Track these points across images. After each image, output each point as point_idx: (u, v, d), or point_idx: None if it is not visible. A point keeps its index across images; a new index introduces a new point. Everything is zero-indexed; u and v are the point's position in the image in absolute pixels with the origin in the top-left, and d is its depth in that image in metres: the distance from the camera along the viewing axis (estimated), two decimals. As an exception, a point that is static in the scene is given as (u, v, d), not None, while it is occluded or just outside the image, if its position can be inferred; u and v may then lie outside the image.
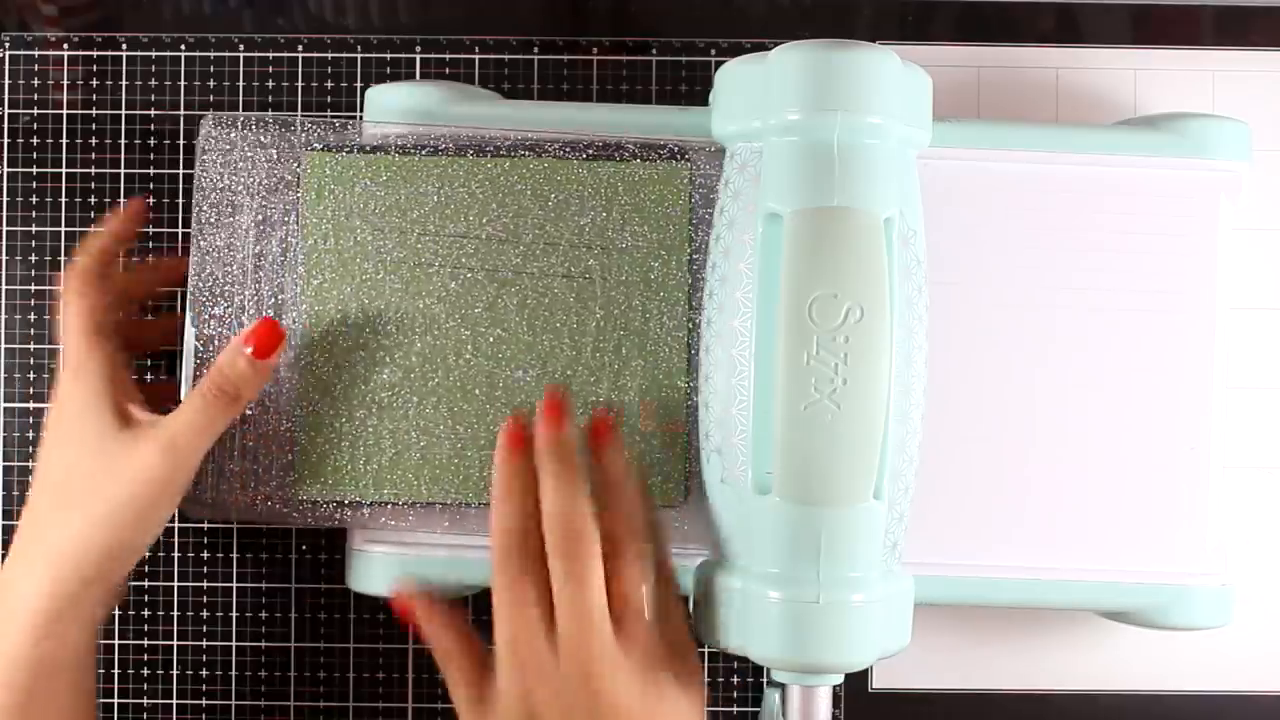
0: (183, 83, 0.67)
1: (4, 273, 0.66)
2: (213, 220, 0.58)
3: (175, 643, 0.66)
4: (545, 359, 0.58)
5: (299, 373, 0.58)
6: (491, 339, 0.58)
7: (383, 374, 0.58)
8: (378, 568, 0.59)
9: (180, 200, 0.66)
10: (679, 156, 0.58)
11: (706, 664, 0.66)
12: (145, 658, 0.66)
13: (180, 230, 0.66)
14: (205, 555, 0.66)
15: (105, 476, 0.53)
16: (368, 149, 0.58)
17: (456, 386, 0.58)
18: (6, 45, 0.67)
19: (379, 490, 0.58)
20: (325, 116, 0.59)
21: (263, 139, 0.59)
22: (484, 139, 0.59)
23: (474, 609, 0.65)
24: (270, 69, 0.67)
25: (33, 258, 0.66)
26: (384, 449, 0.58)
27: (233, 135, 0.59)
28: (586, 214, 0.58)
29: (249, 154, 0.59)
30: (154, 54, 0.67)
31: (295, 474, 0.58)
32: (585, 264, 0.58)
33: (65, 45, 0.67)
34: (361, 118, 0.66)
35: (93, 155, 0.66)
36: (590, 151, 0.58)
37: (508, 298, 0.58)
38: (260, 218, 0.59)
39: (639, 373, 0.58)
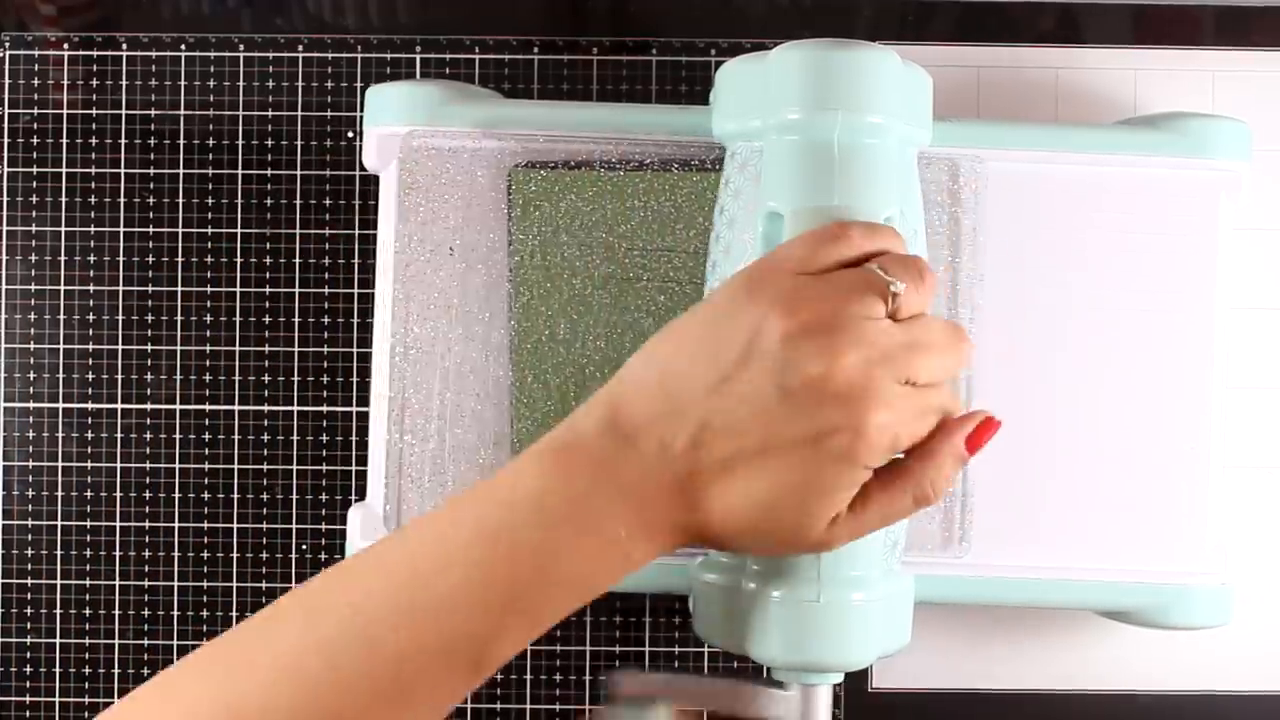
0: (183, 83, 0.67)
1: (4, 273, 0.66)
2: (417, 238, 0.58)
3: (175, 642, 0.66)
4: None
5: (509, 389, 0.58)
6: None
7: (593, 388, 0.58)
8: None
9: (180, 200, 0.66)
10: None
11: (706, 664, 0.66)
12: (145, 657, 0.66)
13: (180, 230, 0.66)
14: (205, 555, 0.66)
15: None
16: (573, 165, 0.59)
17: None
18: (6, 45, 0.67)
19: None
20: (529, 133, 0.59)
21: (465, 155, 0.59)
22: (689, 153, 0.59)
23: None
24: (270, 69, 0.67)
25: (33, 258, 0.66)
26: None
27: (434, 151, 0.59)
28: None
29: (451, 171, 0.59)
30: (154, 54, 0.67)
31: None
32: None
33: (65, 45, 0.67)
34: (361, 118, 0.66)
35: (93, 155, 0.66)
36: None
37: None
38: (461, 236, 0.59)
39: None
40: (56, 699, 0.66)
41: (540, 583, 0.45)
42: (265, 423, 0.66)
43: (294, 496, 0.66)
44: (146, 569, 0.66)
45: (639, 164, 0.59)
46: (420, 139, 0.59)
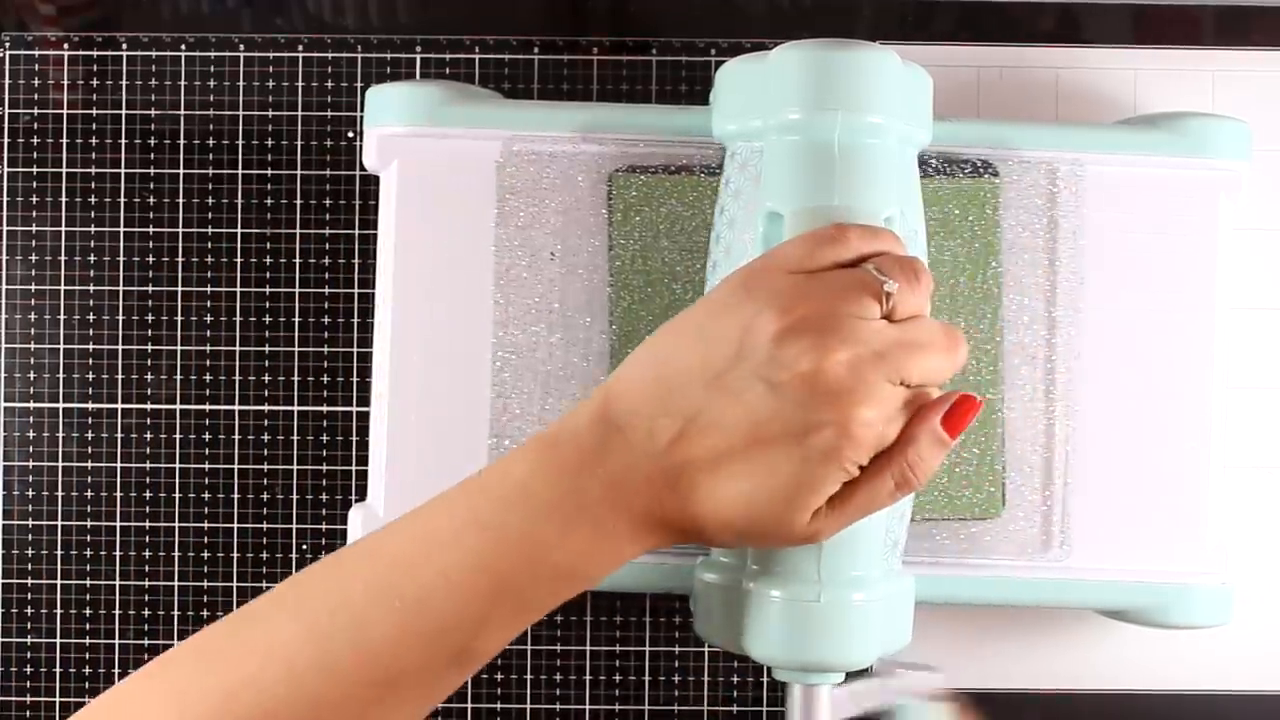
0: (183, 83, 0.67)
1: (4, 273, 0.66)
2: (517, 243, 0.59)
3: (175, 643, 0.66)
4: None
5: None
6: None
7: None
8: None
9: (180, 200, 0.66)
10: (985, 172, 0.58)
11: (706, 664, 0.66)
12: (145, 657, 0.66)
13: (180, 230, 0.66)
14: (205, 555, 0.66)
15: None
16: (673, 169, 0.59)
17: None
18: (6, 45, 0.67)
19: None
20: (630, 138, 0.59)
21: (564, 160, 0.59)
22: None
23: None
24: (270, 69, 0.67)
25: (33, 258, 0.66)
26: None
27: (534, 155, 0.59)
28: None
29: (551, 175, 0.59)
30: (154, 54, 0.67)
31: None
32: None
33: (65, 45, 0.67)
34: (361, 118, 0.66)
35: (93, 155, 0.66)
36: None
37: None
38: (561, 241, 0.59)
39: (948, 386, 0.58)
40: (56, 699, 0.66)
41: (528, 572, 0.45)
42: (265, 423, 0.66)
43: (294, 496, 0.66)
44: (146, 569, 0.66)
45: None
46: (521, 144, 0.59)
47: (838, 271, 0.47)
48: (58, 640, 0.66)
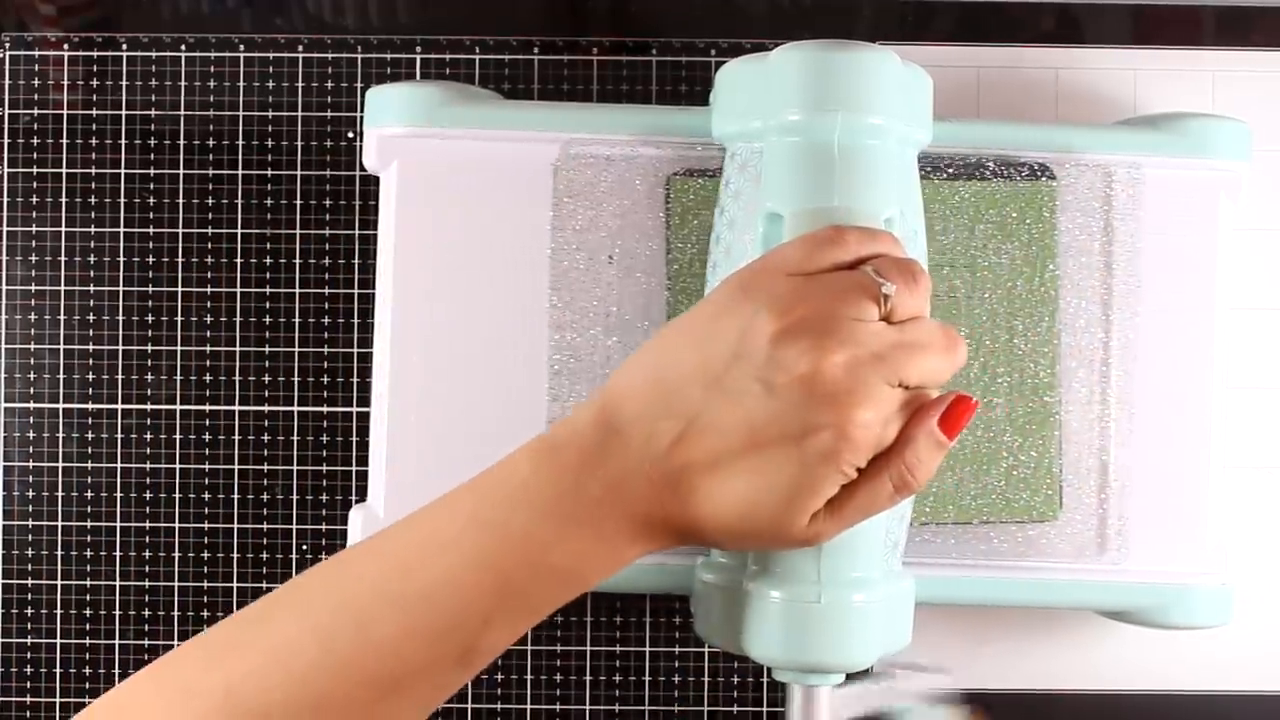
0: (183, 83, 0.67)
1: (4, 273, 0.66)
2: (574, 245, 0.58)
3: (175, 643, 0.66)
4: None
5: None
6: None
7: None
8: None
9: (180, 200, 0.66)
10: (1042, 175, 0.58)
11: (706, 664, 0.66)
12: (145, 658, 0.66)
13: (180, 230, 0.66)
14: (205, 555, 0.66)
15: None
16: None
17: None
18: (6, 45, 0.67)
19: None
20: (687, 141, 0.59)
21: (621, 163, 0.59)
22: None
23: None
24: (270, 69, 0.67)
25: (33, 258, 0.66)
26: None
27: (591, 159, 0.58)
28: (950, 233, 0.59)
29: (608, 179, 0.59)
30: (154, 54, 0.67)
31: None
32: (950, 283, 0.59)
33: (65, 45, 0.67)
34: (361, 118, 0.66)
35: (93, 155, 0.66)
36: (952, 171, 0.59)
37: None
38: (618, 243, 0.59)
39: (1005, 389, 0.58)
40: (57, 699, 0.66)
41: (530, 573, 0.45)
42: (265, 423, 0.66)
43: (294, 496, 0.66)
44: (146, 569, 0.66)
45: None
46: (579, 147, 0.59)
47: (836, 274, 0.47)
48: (58, 640, 0.66)
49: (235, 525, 0.66)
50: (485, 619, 0.45)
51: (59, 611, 0.66)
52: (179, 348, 0.66)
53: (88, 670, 0.66)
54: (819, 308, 0.45)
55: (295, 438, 0.66)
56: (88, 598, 0.66)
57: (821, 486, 0.46)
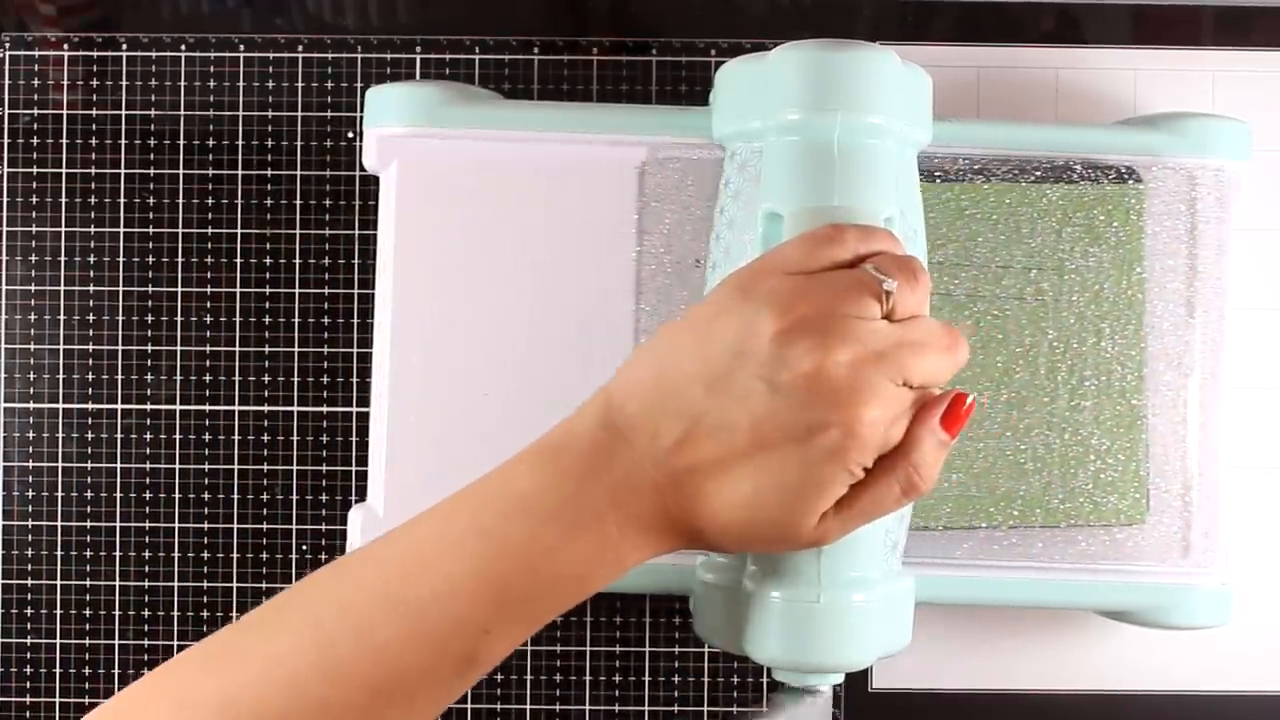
0: (183, 83, 0.67)
1: (4, 273, 0.66)
2: (661, 249, 0.58)
3: (175, 643, 0.66)
4: (1000, 381, 0.58)
5: None
6: None
7: None
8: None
9: (180, 200, 0.66)
10: (1129, 178, 0.59)
11: (706, 664, 0.66)
12: (145, 658, 0.66)
13: (180, 230, 0.66)
14: (205, 555, 0.66)
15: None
16: None
17: None
18: (6, 45, 0.67)
19: None
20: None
21: (709, 165, 0.58)
22: (930, 164, 0.59)
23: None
24: (270, 69, 0.67)
25: (33, 258, 0.66)
26: None
27: (679, 162, 0.58)
28: (1037, 236, 0.59)
29: (695, 182, 0.59)
30: (154, 54, 0.67)
31: None
32: (1038, 286, 0.59)
33: (65, 45, 0.67)
34: (361, 119, 0.66)
35: (93, 155, 0.66)
36: (1039, 174, 0.59)
37: (962, 321, 0.59)
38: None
39: (1093, 392, 0.59)
40: (56, 699, 0.66)
41: (532, 579, 0.45)
42: (265, 423, 0.66)
43: (294, 496, 0.66)
44: (146, 569, 0.66)
45: None
46: (666, 150, 0.59)
47: (837, 272, 0.47)
48: (58, 640, 0.66)
49: (235, 525, 0.66)
50: (486, 626, 0.45)
51: (59, 611, 0.66)
52: (179, 348, 0.66)
53: (88, 670, 0.66)
54: (820, 306, 0.45)
55: (295, 438, 0.66)
56: (88, 598, 0.66)
57: (829, 486, 0.46)
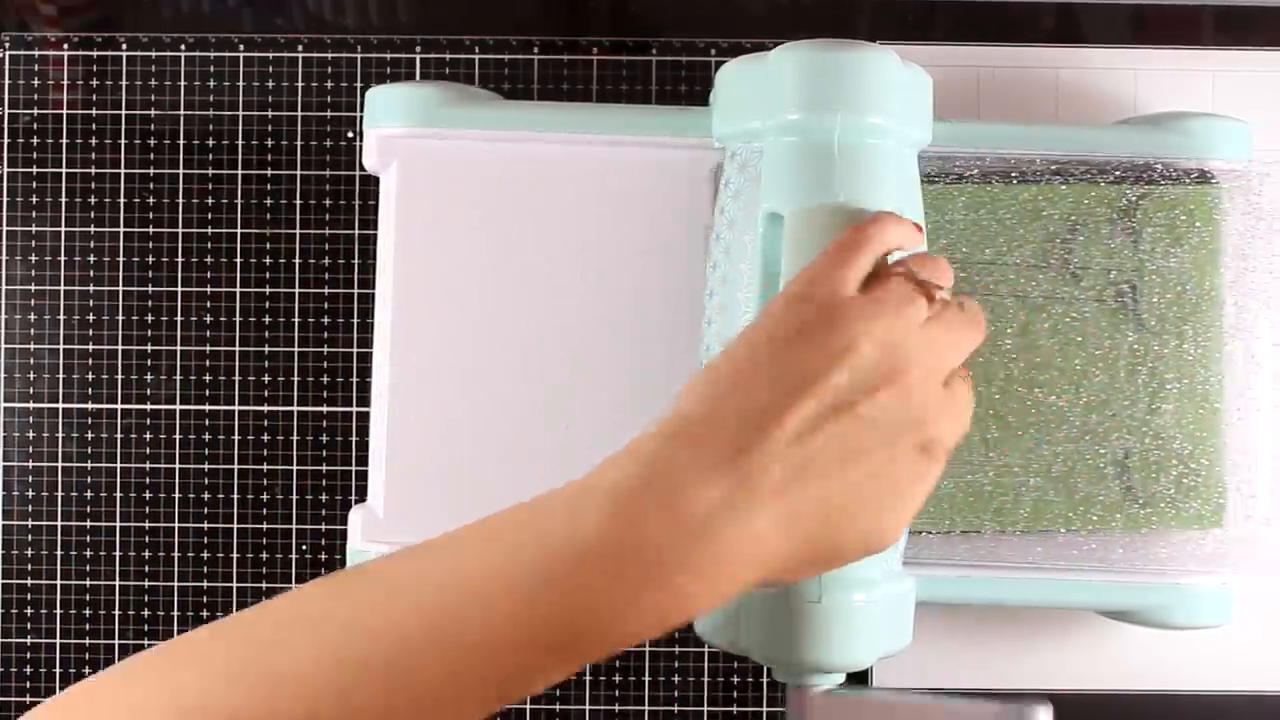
0: (183, 83, 0.67)
1: (4, 273, 0.66)
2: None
3: (175, 643, 0.66)
4: (1079, 384, 0.58)
5: None
6: (1024, 364, 0.58)
7: None
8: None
9: (180, 200, 0.66)
10: (1209, 180, 0.58)
11: (706, 664, 0.66)
12: (145, 658, 0.66)
13: (180, 230, 0.66)
14: (205, 555, 0.66)
15: None
16: (959, 179, 0.59)
17: (990, 415, 0.58)
18: (6, 45, 0.67)
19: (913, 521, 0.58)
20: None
21: None
22: (1008, 165, 0.59)
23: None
24: (270, 69, 0.67)
25: (33, 258, 0.66)
26: None
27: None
28: (1116, 238, 0.58)
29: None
30: (154, 54, 0.67)
31: None
32: (1116, 287, 0.58)
33: (65, 45, 0.67)
34: (361, 119, 0.66)
35: (93, 155, 0.66)
36: (1117, 175, 0.59)
37: (1039, 323, 0.58)
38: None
39: (1174, 395, 0.58)
40: (56, 699, 0.66)
41: (592, 630, 0.42)
42: (265, 423, 0.66)
43: (294, 496, 0.66)
44: (146, 569, 0.66)
45: (958, 177, 0.59)
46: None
47: (886, 287, 0.47)
48: (58, 640, 0.66)
49: (235, 525, 0.66)
50: (532, 671, 0.42)
51: (59, 611, 0.66)
52: (179, 348, 0.66)
53: (87, 670, 0.66)
54: (886, 325, 0.46)
55: (295, 438, 0.66)
56: (88, 598, 0.66)
57: (919, 490, 0.46)
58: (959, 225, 0.58)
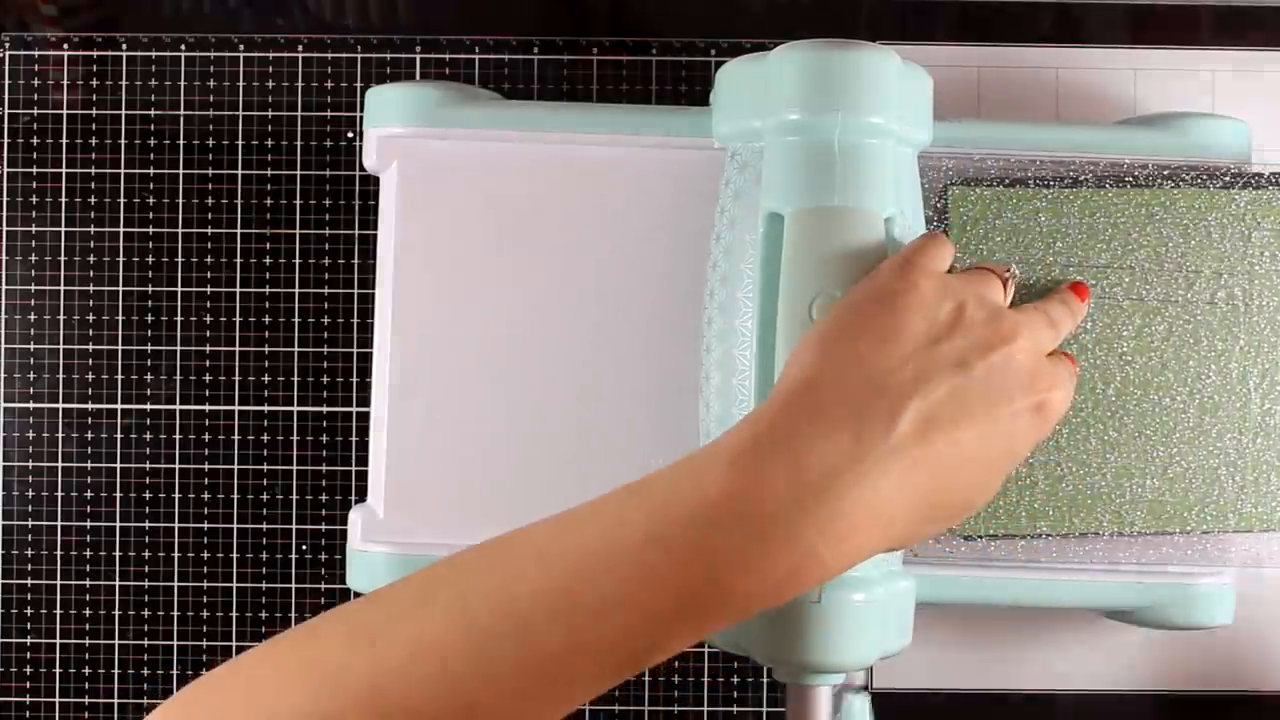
0: (183, 83, 0.67)
1: (4, 273, 0.66)
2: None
3: (175, 643, 0.66)
4: (1192, 386, 0.58)
5: None
6: (1139, 367, 0.58)
7: None
8: (378, 568, 0.59)
9: (180, 200, 0.66)
10: (1276, 183, 0.59)
11: (706, 664, 0.66)
12: (145, 658, 0.66)
13: (180, 230, 0.66)
14: (205, 555, 0.66)
15: None
16: (1007, 182, 0.59)
17: (1107, 416, 0.58)
18: (6, 45, 0.67)
19: (1034, 523, 0.58)
20: (964, 152, 0.59)
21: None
22: (1121, 169, 0.59)
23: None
24: (270, 69, 0.67)
25: (33, 258, 0.66)
26: (1037, 481, 0.58)
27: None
28: (1227, 241, 0.58)
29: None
30: (154, 54, 0.67)
31: None
32: (1228, 290, 0.58)
33: (65, 45, 0.67)
34: (361, 119, 0.66)
35: (93, 155, 0.67)
36: (1227, 179, 0.59)
37: (1154, 326, 0.58)
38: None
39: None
40: (56, 699, 0.66)
41: (717, 594, 0.42)
42: (265, 423, 0.66)
43: (294, 496, 0.66)
44: (146, 569, 0.66)
45: (1074, 180, 0.59)
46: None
47: (970, 271, 0.51)
48: (57, 640, 0.66)
49: (235, 525, 0.66)
50: (657, 637, 0.42)
51: (59, 611, 0.66)
52: (179, 348, 0.66)
53: (88, 670, 0.66)
54: (991, 294, 0.50)
55: (295, 438, 0.66)
56: (88, 598, 0.66)
57: (1024, 453, 0.49)
58: (1075, 229, 0.58)
